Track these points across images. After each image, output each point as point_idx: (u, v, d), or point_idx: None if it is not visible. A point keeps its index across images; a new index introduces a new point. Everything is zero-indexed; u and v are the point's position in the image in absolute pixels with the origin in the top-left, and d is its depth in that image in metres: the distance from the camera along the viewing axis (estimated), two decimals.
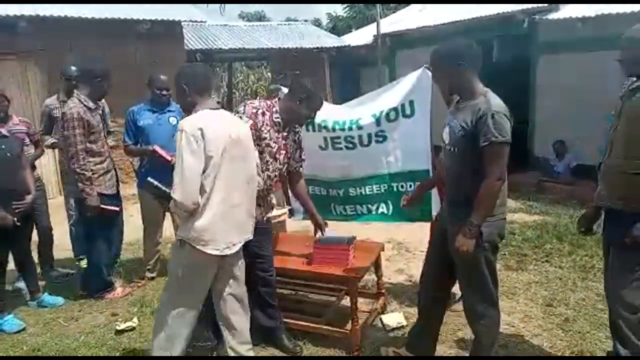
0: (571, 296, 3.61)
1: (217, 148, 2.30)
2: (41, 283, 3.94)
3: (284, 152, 2.89)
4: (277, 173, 2.92)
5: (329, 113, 3.62)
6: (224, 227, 2.39)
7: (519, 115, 7.57)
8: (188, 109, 2.47)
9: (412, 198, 3.06)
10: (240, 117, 2.70)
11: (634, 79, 2.32)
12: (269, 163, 2.82)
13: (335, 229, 3.60)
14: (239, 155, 2.41)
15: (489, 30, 8.07)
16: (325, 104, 4.05)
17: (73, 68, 4.16)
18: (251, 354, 2.71)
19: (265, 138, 2.76)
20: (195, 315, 2.51)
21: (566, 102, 6.82)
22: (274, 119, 2.81)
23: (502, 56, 8.46)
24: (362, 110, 3.59)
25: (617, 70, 6.87)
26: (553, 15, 6.90)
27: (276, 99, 2.91)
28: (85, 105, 3.57)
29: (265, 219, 2.96)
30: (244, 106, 2.80)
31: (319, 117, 3.60)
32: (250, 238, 2.60)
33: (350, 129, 3.53)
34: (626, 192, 2.33)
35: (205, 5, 15.52)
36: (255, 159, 2.61)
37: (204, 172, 2.29)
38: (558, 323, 3.26)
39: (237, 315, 2.62)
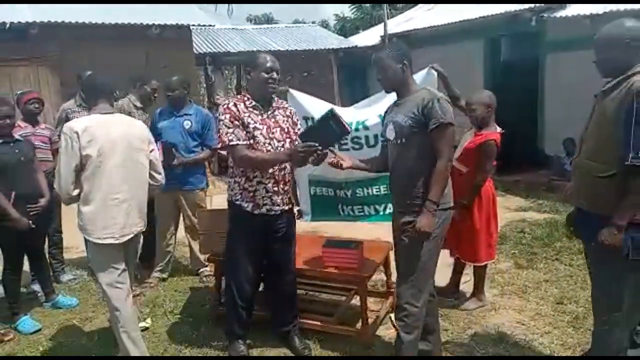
0: (581, 294, 3.60)
1: (93, 149, 2.60)
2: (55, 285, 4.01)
3: (277, 129, 2.87)
4: (282, 149, 2.86)
5: None
6: (106, 220, 2.68)
7: (529, 113, 7.64)
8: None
9: None
10: (219, 119, 2.79)
11: (609, 79, 2.30)
12: (266, 144, 2.80)
13: (345, 229, 3.63)
14: (124, 155, 2.70)
15: (497, 29, 8.06)
16: (330, 105, 4.09)
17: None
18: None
19: (249, 123, 2.78)
20: (124, 289, 2.79)
21: (575, 99, 6.73)
22: (249, 105, 2.82)
23: (510, 55, 8.45)
24: (369, 112, 3.60)
25: None
26: (561, 13, 6.88)
27: (244, 89, 2.96)
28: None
29: (281, 209, 2.91)
30: (220, 108, 2.86)
31: None
32: (142, 230, 2.89)
33: (357, 129, 3.55)
34: (591, 193, 2.33)
35: (214, 9, 15.62)
36: (146, 159, 2.83)
37: (82, 169, 2.61)
38: (569, 321, 3.25)
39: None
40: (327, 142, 2.68)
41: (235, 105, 2.80)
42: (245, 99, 2.85)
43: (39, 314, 3.70)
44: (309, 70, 12.36)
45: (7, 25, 6.88)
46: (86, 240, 2.78)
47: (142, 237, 3.22)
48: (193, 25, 8.78)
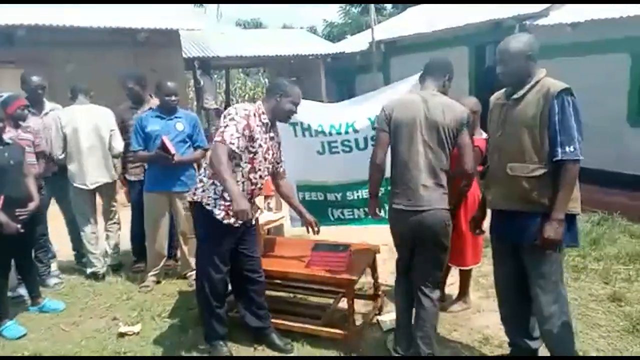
0: None
1: (70, 128, 4.17)
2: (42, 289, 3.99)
3: (271, 151, 2.99)
4: (266, 172, 3.00)
5: (324, 116, 3.69)
6: (80, 173, 4.24)
7: None
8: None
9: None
10: (233, 118, 2.79)
11: (510, 89, 2.50)
12: (260, 163, 2.91)
13: (333, 233, 3.66)
14: (89, 131, 4.21)
15: (481, 36, 8.19)
16: (319, 104, 4.14)
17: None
18: None
19: (257, 139, 2.84)
20: (90, 228, 4.40)
21: None
22: (262, 121, 2.89)
23: (495, 61, 8.58)
24: (357, 112, 3.64)
25: (606, 75, 6.97)
26: (543, 21, 7.01)
27: (260, 102, 2.98)
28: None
29: (253, 220, 3.08)
30: (235, 109, 2.85)
31: (316, 121, 3.68)
32: (107, 182, 4.37)
33: (346, 132, 3.60)
34: (523, 195, 2.42)
35: (203, 10, 15.56)
36: (101, 130, 4.26)
37: (65, 142, 4.18)
38: None
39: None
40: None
41: (254, 115, 2.86)
42: (261, 112, 2.91)
43: (24, 319, 3.67)
44: (297, 75, 12.42)
45: None
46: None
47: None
48: (182, 29, 8.76)
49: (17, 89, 4.31)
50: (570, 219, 2.41)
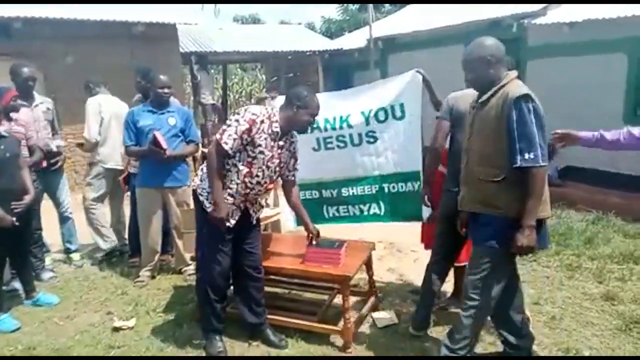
0: (558, 295, 3.69)
1: (107, 114, 4.48)
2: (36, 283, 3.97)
3: (277, 160, 2.92)
4: (267, 180, 2.95)
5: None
6: (113, 154, 4.52)
7: None
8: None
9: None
10: (237, 120, 2.77)
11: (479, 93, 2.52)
12: (260, 169, 2.86)
13: (329, 229, 3.66)
14: (116, 118, 4.44)
15: (479, 34, 8.15)
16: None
17: None
18: None
19: (260, 145, 2.80)
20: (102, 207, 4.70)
21: (554, 105, 6.89)
22: (273, 129, 2.84)
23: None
24: (351, 106, 3.65)
25: (604, 74, 7.00)
26: (541, 20, 7.02)
27: (274, 109, 2.92)
28: None
29: (255, 219, 3.08)
30: (244, 111, 2.83)
31: None
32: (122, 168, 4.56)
33: (341, 127, 3.61)
34: (484, 198, 2.46)
35: (200, 7, 15.52)
36: (121, 120, 4.24)
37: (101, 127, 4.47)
38: (545, 321, 3.33)
39: None
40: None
41: (262, 122, 2.80)
42: (274, 121, 2.85)
43: (18, 312, 3.67)
44: (294, 71, 12.40)
45: None
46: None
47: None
48: (179, 23, 8.72)
49: (12, 83, 4.27)
50: (539, 223, 2.41)
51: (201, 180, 2.93)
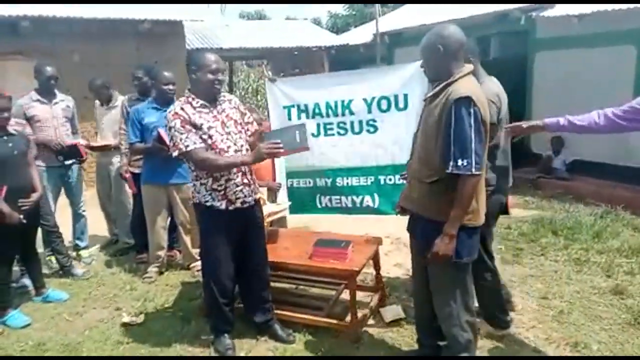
0: (566, 289, 3.67)
1: None
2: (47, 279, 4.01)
3: (231, 122, 2.88)
4: (242, 143, 2.90)
5: (319, 92, 3.75)
6: None
7: (517, 111, 7.71)
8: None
9: None
10: (170, 127, 2.77)
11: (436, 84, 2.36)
12: (224, 141, 2.81)
13: (334, 222, 3.66)
14: None
15: (486, 27, 8.13)
16: (312, 77, 4.18)
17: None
18: None
19: (202, 124, 2.76)
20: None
21: (563, 98, 6.88)
22: (197, 105, 2.79)
23: (499, 53, 8.53)
24: (353, 90, 3.66)
25: (612, 67, 6.92)
26: (550, 12, 6.95)
27: (187, 90, 2.90)
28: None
29: (254, 199, 2.99)
30: (166, 118, 2.83)
31: (312, 100, 3.71)
32: None
33: (343, 114, 3.63)
34: (417, 198, 2.39)
35: (206, 5, 15.52)
36: None
37: None
38: (553, 315, 3.31)
39: None
40: (287, 148, 2.75)
41: (182, 109, 2.77)
42: (191, 99, 2.81)
43: (28, 308, 3.70)
44: (300, 67, 12.38)
45: None
46: None
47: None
48: (185, 20, 8.73)
49: (22, 80, 4.33)
50: (470, 233, 2.30)
51: (198, 192, 2.89)
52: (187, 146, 2.72)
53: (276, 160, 3.66)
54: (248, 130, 3.01)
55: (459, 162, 2.13)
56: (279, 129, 3.20)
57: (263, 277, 3.13)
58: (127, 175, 4.55)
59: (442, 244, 2.24)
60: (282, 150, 2.71)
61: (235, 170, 2.84)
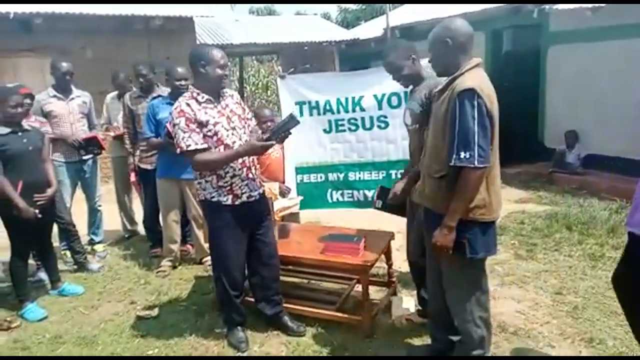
0: (580, 284, 3.65)
1: None
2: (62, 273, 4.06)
3: (235, 116, 2.90)
4: (246, 138, 2.90)
5: (331, 88, 3.77)
6: None
7: (530, 105, 7.66)
8: None
9: None
10: (174, 124, 2.77)
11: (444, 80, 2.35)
12: (229, 136, 2.81)
13: (345, 218, 3.65)
14: None
15: (499, 20, 8.05)
16: (323, 75, 4.20)
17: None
18: None
19: (208, 121, 2.76)
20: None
21: (577, 91, 6.80)
22: (202, 101, 2.79)
23: (512, 47, 8.44)
24: (364, 87, 3.67)
25: (627, 60, 6.81)
26: (563, 5, 6.86)
27: (190, 86, 2.90)
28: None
29: (259, 193, 3.00)
30: (170, 114, 2.84)
31: (323, 97, 3.73)
32: None
33: (353, 110, 3.65)
34: (430, 193, 2.38)
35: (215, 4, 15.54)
36: None
37: None
38: (568, 311, 3.29)
39: None
40: (284, 137, 2.76)
41: (187, 105, 2.75)
42: (196, 94, 2.80)
43: (45, 302, 3.76)
44: (310, 62, 12.35)
45: (11, 16, 6.90)
46: None
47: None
48: (196, 16, 8.77)
49: (34, 77, 4.38)
50: (485, 228, 2.28)
51: (204, 189, 2.89)
52: (189, 146, 2.72)
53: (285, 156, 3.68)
54: (249, 126, 3.02)
55: (462, 155, 2.12)
56: (277, 127, 3.22)
57: (273, 269, 3.14)
58: (133, 180, 4.61)
59: (440, 236, 2.24)
60: (274, 143, 2.75)
61: (240, 166, 2.85)
